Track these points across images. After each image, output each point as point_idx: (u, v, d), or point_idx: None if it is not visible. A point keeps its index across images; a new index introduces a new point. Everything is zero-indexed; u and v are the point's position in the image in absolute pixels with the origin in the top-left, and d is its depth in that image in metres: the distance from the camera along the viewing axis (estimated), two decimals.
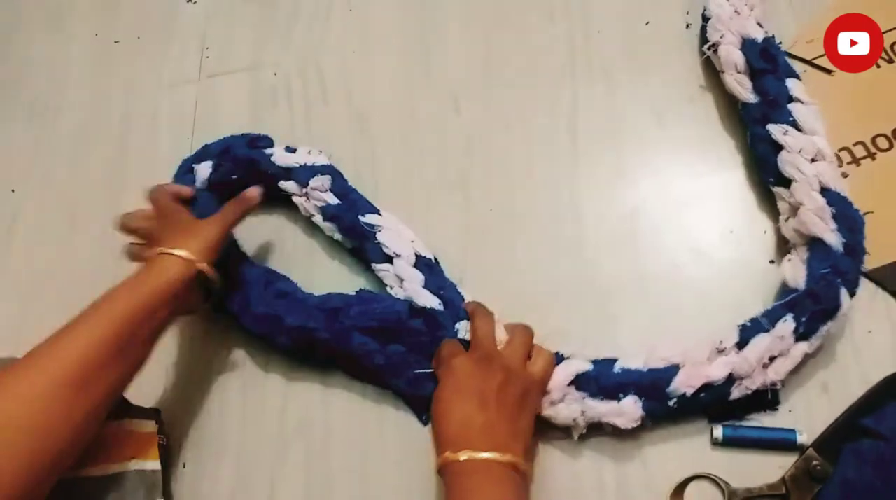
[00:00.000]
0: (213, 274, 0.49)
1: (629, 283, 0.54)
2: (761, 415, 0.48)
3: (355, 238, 0.55)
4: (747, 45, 0.54)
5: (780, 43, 0.56)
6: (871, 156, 0.54)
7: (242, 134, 0.60)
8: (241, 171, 0.58)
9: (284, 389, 0.54)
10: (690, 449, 0.48)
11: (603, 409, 0.46)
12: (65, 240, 0.65)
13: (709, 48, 0.57)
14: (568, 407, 0.47)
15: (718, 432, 0.47)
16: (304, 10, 0.70)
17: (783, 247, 0.53)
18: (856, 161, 0.54)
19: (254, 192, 0.54)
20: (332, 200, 0.56)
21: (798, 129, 0.51)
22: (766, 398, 0.47)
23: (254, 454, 0.53)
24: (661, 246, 0.55)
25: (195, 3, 0.74)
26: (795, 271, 0.49)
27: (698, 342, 0.48)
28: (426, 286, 0.51)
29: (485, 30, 0.63)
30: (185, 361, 0.57)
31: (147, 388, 0.53)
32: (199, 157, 0.59)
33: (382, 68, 0.64)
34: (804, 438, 0.47)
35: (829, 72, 0.58)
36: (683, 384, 0.45)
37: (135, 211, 0.54)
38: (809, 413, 0.48)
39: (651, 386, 0.46)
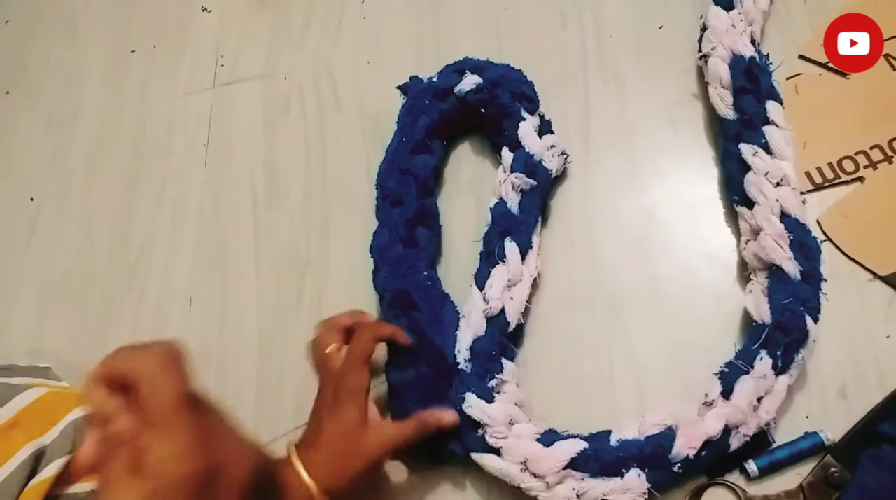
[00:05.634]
0: None
1: (642, 288, 0.54)
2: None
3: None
4: (734, 61, 0.54)
5: (771, 64, 0.55)
6: (889, 159, 0.53)
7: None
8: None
9: None
10: None
11: (606, 487, 0.44)
12: (82, 247, 0.66)
13: (700, 58, 0.57)
14: (566, 489, 0.45)
15: (752, 467, 0.46)
16: (318, 18, 0.71)
17: None
18: (872, 165, 0.54)
19: (450, 418, 0.46)
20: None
21: (768, 152, 0.51)
22: (763, 439, 0.46)
23: None
24: (673, 250, 0.55)
25: (210, 12, 0.75)
26: (758, 303, 0.48)
27: (683, 399, 0.47)
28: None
29: (497, 36, 0.63)
30: None
31: None
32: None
33: (395, 76, 0.64)
34: (830, 436, 0.46)
35: (844, 75, 0.57)
36: (685, 447, 0.44)
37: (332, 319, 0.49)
38: (827, 419, 0.47)
39: (652, 455, 0.44)
